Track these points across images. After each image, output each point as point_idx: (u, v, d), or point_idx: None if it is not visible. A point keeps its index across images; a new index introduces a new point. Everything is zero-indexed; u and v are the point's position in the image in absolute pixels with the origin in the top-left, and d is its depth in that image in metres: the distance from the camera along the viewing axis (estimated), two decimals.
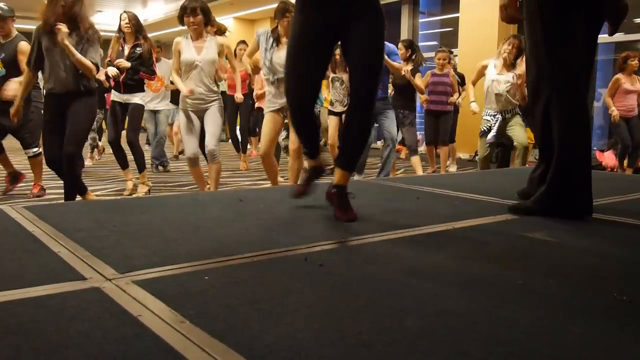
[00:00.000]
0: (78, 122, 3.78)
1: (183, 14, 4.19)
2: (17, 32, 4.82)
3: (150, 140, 7.38)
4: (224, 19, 13.90)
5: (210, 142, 4.34)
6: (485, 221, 2.25)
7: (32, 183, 5.10)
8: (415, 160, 6.04)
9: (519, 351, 1.05)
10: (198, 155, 4.51)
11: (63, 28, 3.53)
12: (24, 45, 4.66)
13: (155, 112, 6.79)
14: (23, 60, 4.53)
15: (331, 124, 6.49)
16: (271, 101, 4.29)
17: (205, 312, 1.19)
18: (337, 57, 6.35)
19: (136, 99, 5.31)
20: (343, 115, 6.47)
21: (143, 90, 5.39)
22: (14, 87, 4.50)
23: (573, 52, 2.26)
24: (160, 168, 7.01)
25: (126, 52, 5.13)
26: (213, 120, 4.36)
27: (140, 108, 5.37)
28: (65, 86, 3.70)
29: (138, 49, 5.13)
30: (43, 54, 3.70)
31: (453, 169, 7.29)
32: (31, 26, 8.33)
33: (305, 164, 2.45)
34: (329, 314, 1.21)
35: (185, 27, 4.32)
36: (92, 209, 2.42)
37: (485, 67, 5.30)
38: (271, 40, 4.18)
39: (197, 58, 4.23)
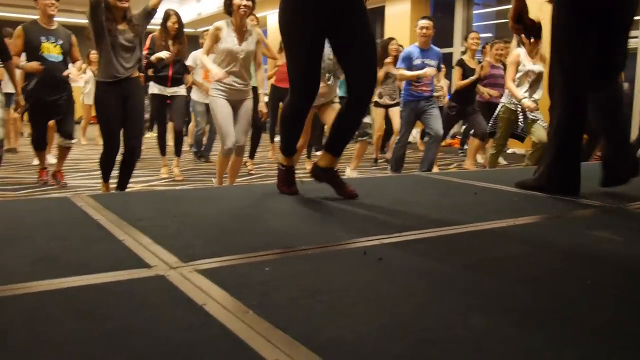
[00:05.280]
0: (141, 114, 4.03)
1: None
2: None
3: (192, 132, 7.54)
4: (275, 13, 13.96)
5: (241, 138, 4.35)
6: (547, 218, 2.18)
7: (55, 171, 5.24)
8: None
9: (592, 354, 1.01)
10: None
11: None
12: (75, 39, 5.04)
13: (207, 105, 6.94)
14: (77, 52, 5.01)
15: (378, 117, 6.49)
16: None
17: (267, 303, 1.20)
18: (395, 52, 6.36)
19: (182, 91, 5.83)
20: (389, 109, 6.49)
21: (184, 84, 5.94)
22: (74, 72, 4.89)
23: (576, 50, 2.48)
24: (203, 159, 7.23)
25: (171, 48, 5.40)
26: (247, 116, 4.36)
27: (185, 99, 6.00)
28: (129, 71, 3.89)
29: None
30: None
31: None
32: (72, 19, 8.61)
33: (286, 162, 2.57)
34: (391, 308, 1.20)
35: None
36: (151, 199, 2.48)
37: (519, 56, 5.09)
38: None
39: (239, 48, 4.17)
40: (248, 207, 2.28)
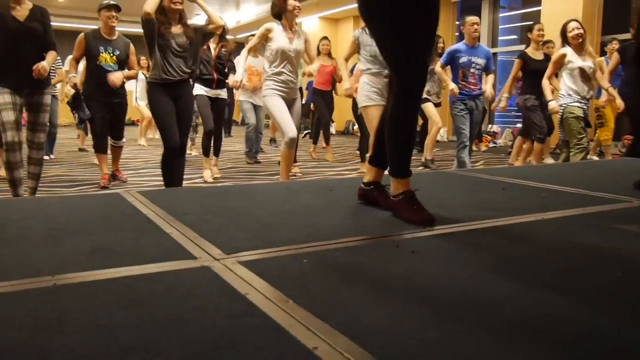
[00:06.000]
0: (190, 115, 4.06)
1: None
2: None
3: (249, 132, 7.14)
4: (310, 19, 13.98)
5: (294, 133, 4.36)
6: (575, 213, 2.12)
7: (114, 171, 5.42)
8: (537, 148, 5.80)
9: (626, 344, 0.97)
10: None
11: None
12: (133, 47, 5.12)
13: (257, 107, 6.81)
14: (134, 60, 5.03)
15: (433, 110, 6.41)
16: (376, 93, 4.27)
17: (306, 293, 1.19)
18: (440, 50, 6.28)
19: (224, 94, 5.88)
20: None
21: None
22: (119, 77, 4.89)
23: None
24: (251, 160, 7.14)
25: (213, 51, 5.53)
26: (298, 115, 4.39)
27: (226, 102, 6.13)
28: (180, 75, 3.89)
29: (224, 50, 5.61)
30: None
31: (550, 160, 6.83)
32: (127, 29, 8.85)
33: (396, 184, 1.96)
34: (425, 299, 1.18)
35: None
36: (195, 194, 2.50)
37: (564, 56, 4.93)
38: None
39: (290, 47, 4.21)
40: (286, 202, 2.28)
